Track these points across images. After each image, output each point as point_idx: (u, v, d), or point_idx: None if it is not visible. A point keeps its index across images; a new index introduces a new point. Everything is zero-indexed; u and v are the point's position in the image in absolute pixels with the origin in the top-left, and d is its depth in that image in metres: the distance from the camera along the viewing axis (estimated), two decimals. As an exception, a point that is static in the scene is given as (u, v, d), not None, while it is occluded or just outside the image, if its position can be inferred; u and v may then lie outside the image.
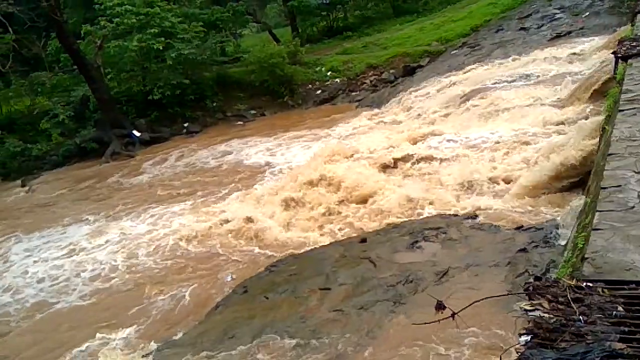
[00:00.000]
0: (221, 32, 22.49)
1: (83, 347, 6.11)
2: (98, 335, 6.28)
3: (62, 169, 16.15)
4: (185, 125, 18.09)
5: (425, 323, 2.79)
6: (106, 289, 7.62)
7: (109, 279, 7.86)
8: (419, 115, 12.66)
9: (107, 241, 9.21)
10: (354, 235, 7.70)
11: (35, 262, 8.90)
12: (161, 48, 17.23)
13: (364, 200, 8.47)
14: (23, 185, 14.80)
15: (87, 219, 10.74)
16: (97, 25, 17.96)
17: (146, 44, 17.14)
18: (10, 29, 16.04)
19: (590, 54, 11.82)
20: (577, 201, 6.03)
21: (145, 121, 17.89)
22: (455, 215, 7.38)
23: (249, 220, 8.53)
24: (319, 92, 19.83)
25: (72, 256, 8.86)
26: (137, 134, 17.07)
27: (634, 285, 2.32)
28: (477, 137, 9.31)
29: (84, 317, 6.91)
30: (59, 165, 16.46)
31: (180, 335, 5.99)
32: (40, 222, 11.10)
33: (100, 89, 17.29)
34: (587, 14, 15.92)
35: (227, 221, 8.77)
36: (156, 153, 15.62)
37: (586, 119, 7.82)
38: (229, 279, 7.21)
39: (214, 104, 19.11)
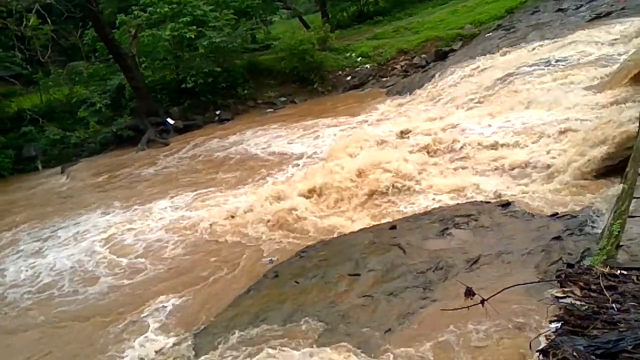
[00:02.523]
0: (251, 20, 22.59)
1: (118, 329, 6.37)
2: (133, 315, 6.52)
3: (100, 156, 16.68)
4: (217, 112, 18.35)
5: (455, 309, 2.80)
6: (137, 274, 7.86)
7: (137, 264, 8.13)
8: (451, 100, 12.44)
9: (147, 224, 9.49)
10: (384, 222, 7.70)
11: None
12: (193, 37, 17.45)
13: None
14: (62, 172, 15.36)
15: (129, 204, 11.04)
16: (131, 14, 18.29)
17: (179, 33, 17.39)
18: (48, 19, 16.50)
19: (631, 36, 11.34)
20: (615, 188, 5.85)
21: (179, 109, 18.24)
22: (487, 202, 7.27)
23: (289, 209, 8.63)
24: (348, 78, 19.72)
25: (112, 238, 9.17)
26: (171, 121, 17.45)
27: (670, 274, 2.27)
28: (512, 122, 9.09)
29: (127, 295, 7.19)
30: (96, 153, 17.01)
31: (212, 318, 6.15)
32: (79, 207, 11.51)
33: (135, 77, 17.67)
34: (629, -7, 15.23)
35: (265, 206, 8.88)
36: (190, 140, 15.93)
37: (626, 103, 7.56)
38: (270, 261, 7.37)
39: (245, 92, 19.28)
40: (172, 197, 10.79)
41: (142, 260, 8.18)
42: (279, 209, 8.56)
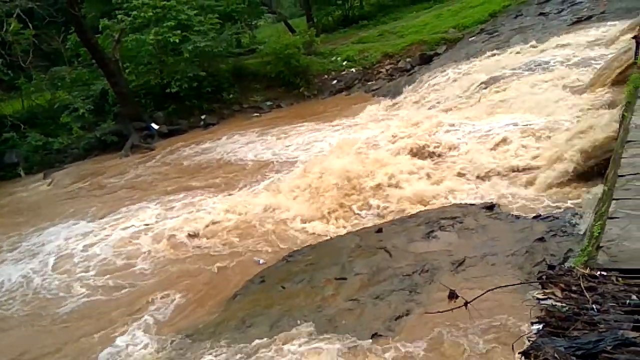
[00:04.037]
0: (237, 24, 22.55)
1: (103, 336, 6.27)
2: (118, 325, 6.43)
3: (83, 162, 16.47)
4: (203, 117, 18.25)
5: (439, 312, 2.80)
6: (127, 277, 7.77)
7: (129, 267, 8.02)
8: (436, 104, 12.54)
9: (131, 230, 9.37)
10: (370, 225, 7.72)
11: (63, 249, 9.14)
12: (178, 41, 17.35)
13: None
14: (45, 178, 15.14)
15: (111, 209, 10.89)
16: (114, 19, 18.14)
17: (163, 37, 17.29)
18: (30, 24, 16.30)
19: (612, 39, 11.54)
20: (596, 189, 5.94)
21: (163, 114, 18.11)
22: (472, 204, 7.32)
23: (271, 210, 8.60)
24: (334, 82, 19.77)
25: (97, 245, 9.05)
26: (155, 126, 17.32)
27: (649, 274, 2.30)
28: (495, 125, 9.18)
29: (102, 308, 7.08)
30: (80, 158, 16.80)
31: (199, 324, 6.09)
32: (62, 214, 11.35)
33: (119, 82, 17.50)
34: (608, -3, 15.51)
35: (248, 212, 8.84)
36: (174, 145, 15.81)
37: (607, 106, 7.68)
38: (260, 262, 7.34)
39: (231, 96, 19.21)
40: (154, 204, 10.66)
41: (98, 277, 7.96)
42: (262, 216, 8.55)
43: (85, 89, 18.91)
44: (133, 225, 9.55)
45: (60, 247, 9.35)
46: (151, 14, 17.68)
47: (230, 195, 10.25)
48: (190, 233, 8.57)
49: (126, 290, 7.38)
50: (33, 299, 7.66)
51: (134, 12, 17.78)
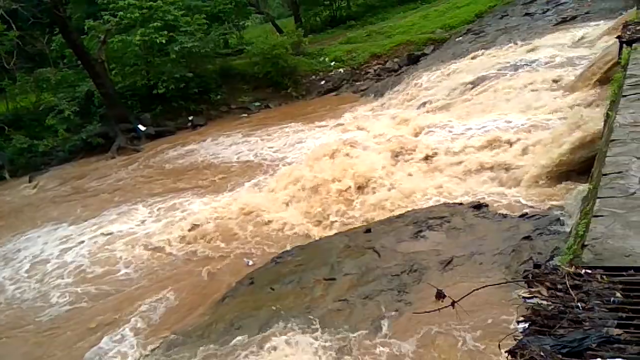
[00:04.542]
0: (224, 24, 22.46)
1: (91, 341, 6.21)
2: (104, 331, 6.37)
3: (69, 165, 16.29)
4: (190, 118, 18.15)
5: (426, 312, 2.81)
6: (111, 283, 7.68)
7: (113, 272, 7.94)
8: (423, 104, 12.59)
9: (115, 234, 9.27)
10: (359, 225, 7.73)
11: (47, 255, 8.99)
12: (164, 42, 17.23)
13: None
14: (30, 181, 14.94)
15: (95, 213, 10.79)
16: (100, 20, 17.97)
17: (149, 38, 17.17)
18: (13, 25, 16.08)
19: (596, 38, 11.67)
20: (582, 187, 6.00)
21: (150, 115, 17.98)
22: (460, 204, 7.36)
23: (254, 212, 8.57)
24: (322, 82, 19.78)
25: (79, 250, 8.95)
26: (142, 128, 17.18)
27: (632, 272, 2.32)
28: (482, 125, 9.23)
29: (89, 310, 7.00)
30: (65, 161, 16.60)
31: (187, 328, 6.05)
32: (45, 218, 11.22)
33: (105, 84, 17.34)
34: (592, -3, 15.69)
35: (231, 214, 8.80)
36: (161, 147, 15.71)
37: (591, 105, 7.76)
38: (249, 263, 7.33)
39: (218, 97, 19.14)
40: (138, 207, 10.58)
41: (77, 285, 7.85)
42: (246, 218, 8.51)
43: (71, 90, 18.70)
44: (117, 230, 9.47)
45: (38, 252, 9.25)
46: (137, 14, 17.54)
47: (214, 197, 10.20)
48: (175, 236, 8.51)
49: (111, 296, 7.30)
50: (7, 308, 7.56)
51: (120, 13, 17.64)
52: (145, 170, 13.74)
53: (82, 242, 9.29)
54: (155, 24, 17.35)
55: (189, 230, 8.57)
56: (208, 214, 8.99)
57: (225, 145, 14.38)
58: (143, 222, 9.66)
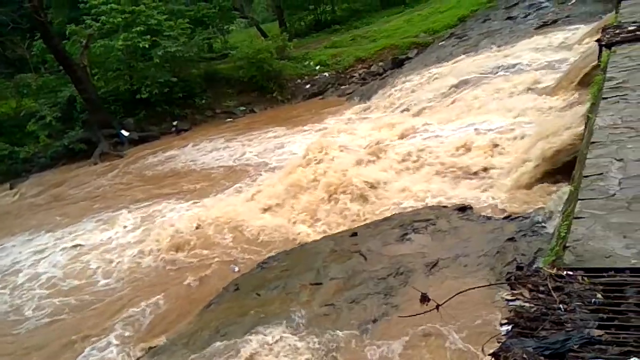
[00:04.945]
0: (208, 29, 22.41)
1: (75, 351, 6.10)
2: (86, 342, 6.26)
3: (51, 171, 16.08)
4: (175, 123, 18.04)
5: (411, 315, 2.81)
6: (92, 293, 7.55)
7: (99, 280, 7.82)
8: (407, 107, 12.66)
9: (98, 242, 9.16)
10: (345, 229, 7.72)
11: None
12: (147, 46, 17.12)
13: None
14: (11, 189, 14.70)
15: (89, 218, 10.65)
16: (82, 24, 17.79)
17: (132, 43, 17.05)
18: (-7, 30, 15.87)
19: (576, 42, 11.85)
20: (564, 189, 6.06)
21: (134, 120, 17.84)
22: (445, 206, 7.40)
23: (240, 218, 8.52)
24: (308, 86, 19.81)
25: (61, 258, 8.80)
26: (125, 133, 17.02)
27: (612, 273, 2.34)
28: (465, 128, 9.31)
29: (71, 322, 6.88)
30: (47, 167, 16.38)
31: (173, 334, 5.98)
32: (24, 226, 11.04)
33: (87, 89, 17.17)
34: (572, 1, 15.94)
35: (217, 219, 8.74)
36: (145, 152, 15.57)
37: (572, 107, 7.86)
38: (235, 269, 7.28)
39: (203, 102, 19.06)
40: (119, 214, 10.45)
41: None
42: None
43: (52, 96, 18.50)
44: (97, 239, 9.35)
45: (9, 263, 9.09)
46: (120, 19, 17.43)
47: (196, 204, 10.12)
48: (156, 244, 8.42)
49: (93, 307, 7.17)
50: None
51: (103, 18, 17.50)
52: (125, 177, 13.62)
53: (60, 251, 9.14)
54: (138, 28, 17.25)
55: (171, 238, 8.47)
56: (189, 221, 8.90)
57: (207, 150, 14.31)
58: (123, 230, 9.53)
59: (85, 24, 17.71)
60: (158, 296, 6.95)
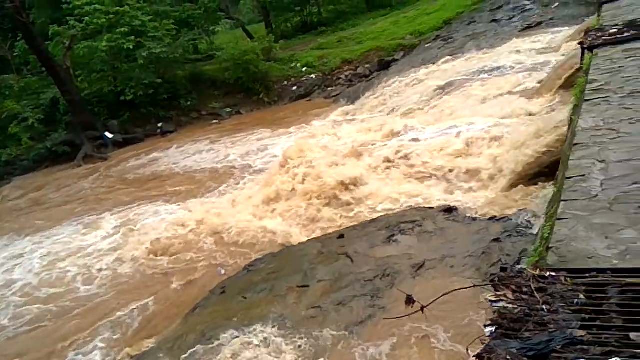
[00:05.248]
0: (193, 30, 22.27)
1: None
2: (75, 343, 6.17)
3: (34, 174, 15.84)
4: (160, 125, 17.90)
5: (397, 317, 2.81)
6: (74, 299, 7.44)
7: (80, 286, 7.71)
8: (393, 109, 12.71)
9: (92, 242, 9.07)
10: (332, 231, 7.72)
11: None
12: (132, 47, 16.97)
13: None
14: (-6, 192, 14.46)
15: (69, 222, 10.49)
16: (65, 25, 17.57)
17: (116, 44, 16.90)
18: (-27, 31, 15.60)
19: (560, 44, 12.00)
20: (548, 190, 6.13)
21: (118, 122, 17.65)
22: (431, 207, 7.44)
23: (224, 221, 8.49)
24: (294, 88, 19.79)
25: (40, 263, 8.66)
26: (109, 135, 16.84)
27: (595, 273, 2.37)
28: (450, 130, 9.36)
29: (56, 327, 6.77)
30: (30, 170, 16.14)
31: (158, 339, 5.92)
32: (7, 229, 10.85)
33: (70, 91, 16.95)
34: (556, 4, 16.16)
35: (201, 222, 8.68)
36: (129, 155, 15.43)
37: (555, 109, 7.95)
38: (222, 272, 7.24)
39: (188, 103, 18.94)
40: (101, 218, 10.33)
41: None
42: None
43: (35, 97, 18.23)
44: (78, 244, 9.20)
45: None
46: (104, 20, 17.26)
47: (179, 207, 10.05)
48: (139, 249, 8.34)
49: (75, 314, 7.03)
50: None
51: (86, 19, 17.31)
52: (108, 180, 13.48)
53: (38, 257, 8.97)
54: (122, 29, 17.10)
55: (153, 242, 8.39)
56: (172, 225, 8.83)
57: (191, 153, 14.23)
58: (105, 234, 9.41)
59: (69, 24, 17.50)
60: (142, 301, 6.87)
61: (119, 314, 6.70)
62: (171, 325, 6.20)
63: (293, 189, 8.83)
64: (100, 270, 8.07)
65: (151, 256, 8.10)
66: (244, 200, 9.41)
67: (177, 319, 6.28)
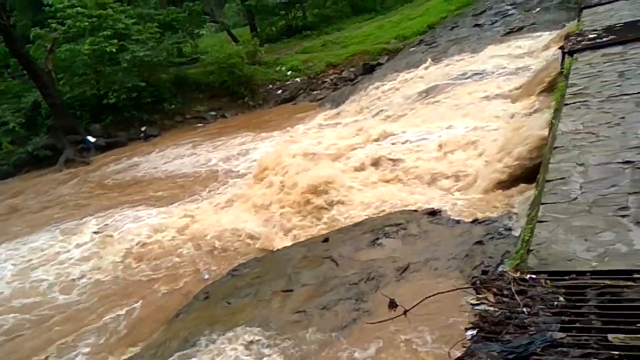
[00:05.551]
0: (177, 33, 22.12)
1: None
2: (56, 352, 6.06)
3: (14, 179, 15.55)
4: (143, 129, 17.71)
5: (379, 322, 2.80)
6: (58, 305, 7.31)
7: (58, 294, 7.57)
8: (377, 113, 12.76)
9: (70, 249, 8.91)
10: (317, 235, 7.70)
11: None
12: (115, 50, 16.80)
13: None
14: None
15: (46, 229, 10.31)
16: (47, 28, 17.35)
17: (99, 47, 16.71)
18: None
19: (541, 49, 12.17)
20: (530, 193, 6.19)
21: (101, 126, 17.45)
22: (415, 210, 7.46)
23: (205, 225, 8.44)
24: (279, 91, 19.77)
25: (26, 269, 8.50)
26: (91, 139, 16.63)
27: (574, 276, 2.39)
28: (433, 133, 9.43)
29: (38, 334, 6.64)
30: (10, 175, 15.87)
31: (141, 346, 5.84)
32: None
33: (52, 94, 16.72)
34: (538, 9, 16.38)
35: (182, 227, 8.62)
36: (111, 159, 15.25)
37: (537, 113, 8.05)
38: (206, 276, 7.18)
39: (172, 107, 18.79)
40: (80, 224, 10.15)
41: None
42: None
43: (16, 101, 17.95)
44: (57, 250, 9.02)
45: None
46: (87, 23, 17.07)
47: (160, 212, 9.92)
48: (118, 254, 8.22)
49: (55, 323, 6.89)
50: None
51: (68, 21, 17.09)
52: (88, 185, 13.28)
53: (14, 264, 8.79)
54: (105, 32, 16.93)
55: (134, 247, 8.29)
56: (152, 230, 8.73)
57: (173, 157, 14.11)
58: (84, 241, 9.24)
59: (50, 27, 17.28)
60: (124, 308, 6.78)
61: (100, 321, 6.59)
62: (155, 331, 6.12)
63: (270, 203, 8.82)
64: (79, 277, 7.92)
65: (132, 262, 7.99)
66: (224, 204, 9.35)
67: (160, 325, 6.20)
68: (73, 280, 7.89)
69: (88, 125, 17.42)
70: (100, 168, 14.57)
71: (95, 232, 9.43)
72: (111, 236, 9.07)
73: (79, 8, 17.28)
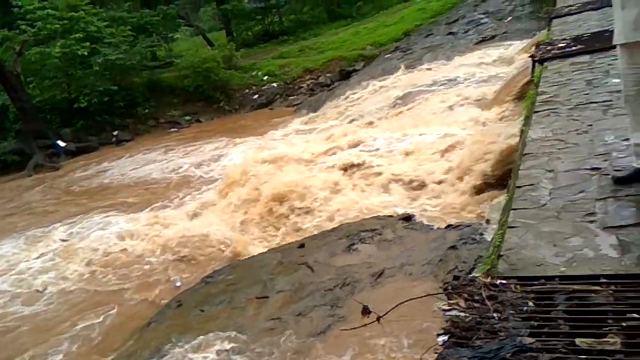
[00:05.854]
0: (151, 36, 21.86)
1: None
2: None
3: (-20, 185, 15.05)
4: (115, 133, 17.41)
5: (353, 328, 2.80)
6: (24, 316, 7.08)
7: (29, 303, 7.35)
8: (353, 119, 12.83)
9: (35, 257, 8.65)
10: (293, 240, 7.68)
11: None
12: (86, 54, 16.50)
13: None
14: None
15: (11, 236, 10.02)
16: (16, 30, 16.94)
17: (70, 50, 16.39)
18: None
19: (512, 57, 12.44)
20: (501, 199, 6.30)
21: (71, 131, 17.09)
22: (390, 216, 7.51)
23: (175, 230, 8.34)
24: (255, 96, 19.71)
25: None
26: (62, 144, 16.26)
27: (543, 281, 2.43)
28: (407, 139, 9.52)
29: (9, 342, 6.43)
30: (-24, 181, 15.35)
31: (112, 356, 5.71)
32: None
33: (21, 97, 16.31)
34: (509, 18, 16.76)
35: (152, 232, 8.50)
36: (81, 164, 14.94)
37: (509, 120, 8.21)
38: (178, 284, 7.08)
39: (146, 111, 18.54)
40: (47, 231, 9.87)
41: None
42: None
43: (-17, 105, 17.41)
44: (20, 260, 8.73)
45: None
46: (57, 25, 16.73)
47: (128, 219, 9.69)
48: (86, 263, 8.02)
49: (20, 332, 6.69)
50: None
51: (39, 24, 16.72)
52: (54, 192, 12.94)
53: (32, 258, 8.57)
54: (76, 35, 16.62)
55: (102, 255, 8.10)
56: (120, 237, 8.56)
57: (146, 162, 13.91)
58: (49, 249, 8.97)
59: (20, 29, 16.89)
60: (94, 318, 6.60)
61: (68, 332, 6.40)
62: (127, 341, 5.98)
63: (239, 210, 8.78)
64: (44, 287, 7.68)
65: (100, 270, 7.80)
66: (195, 210, 9.25)
67: (132, 335, 6.07)
68: (37, 290, 7.64)
69: (58, 130, 17.04)
70: (68, 174, 14.24)
71: (62, 240, 9.16)
72: (78, 244, 8.82)
73: (49, 10, 16.93)
